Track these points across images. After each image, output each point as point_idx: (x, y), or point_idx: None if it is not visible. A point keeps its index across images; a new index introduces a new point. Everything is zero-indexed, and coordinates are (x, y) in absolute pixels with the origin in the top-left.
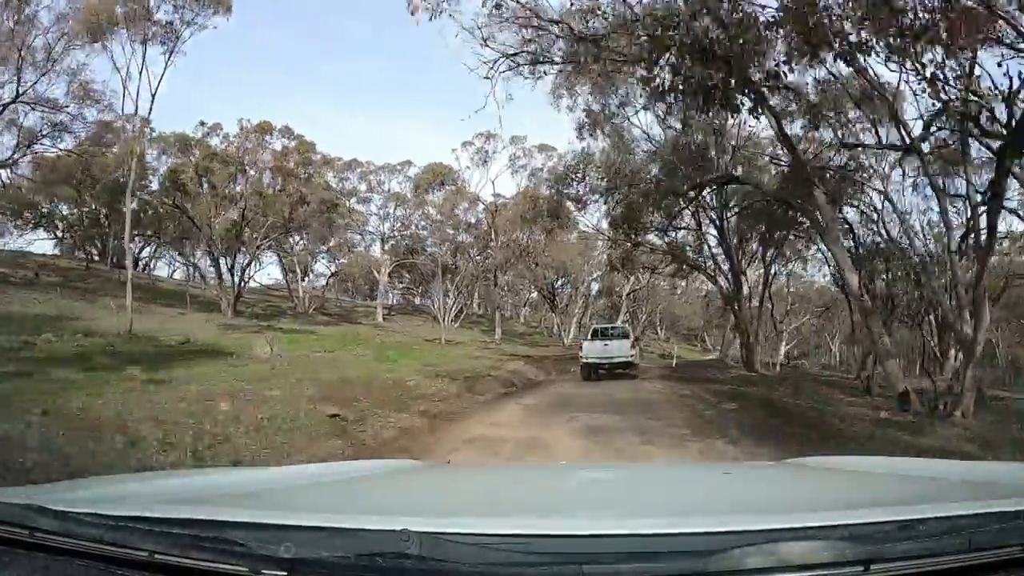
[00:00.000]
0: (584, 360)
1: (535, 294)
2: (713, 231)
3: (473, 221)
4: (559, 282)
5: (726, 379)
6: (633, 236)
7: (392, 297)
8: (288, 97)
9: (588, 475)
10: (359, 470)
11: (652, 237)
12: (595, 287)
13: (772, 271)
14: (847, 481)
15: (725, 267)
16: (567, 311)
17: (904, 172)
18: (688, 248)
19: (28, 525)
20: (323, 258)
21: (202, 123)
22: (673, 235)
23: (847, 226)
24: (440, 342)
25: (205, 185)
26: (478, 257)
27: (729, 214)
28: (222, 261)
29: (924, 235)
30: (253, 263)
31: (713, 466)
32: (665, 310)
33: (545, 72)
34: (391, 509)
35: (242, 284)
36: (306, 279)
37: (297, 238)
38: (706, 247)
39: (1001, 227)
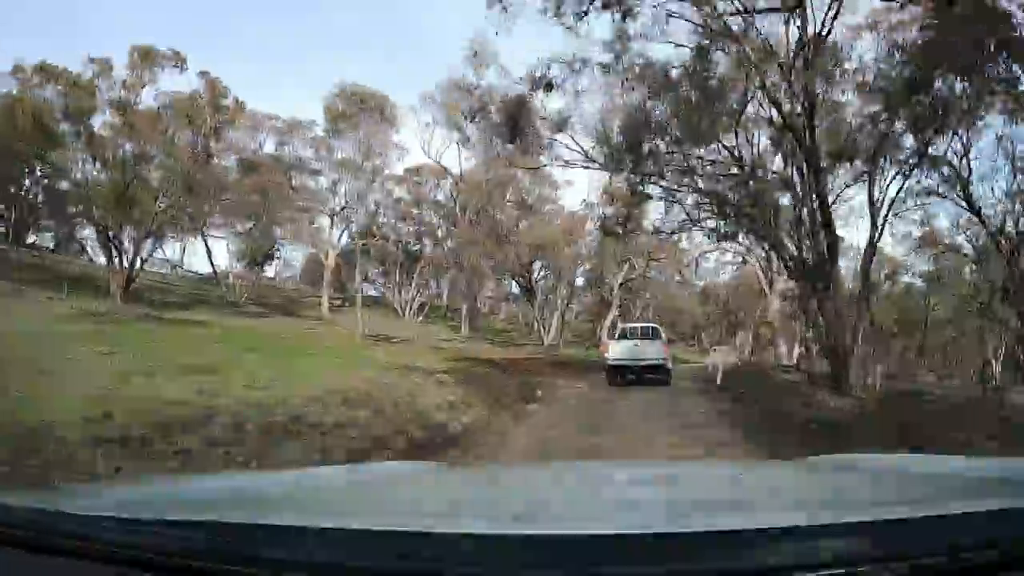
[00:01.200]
0: (611, 363)
1: (516, 287)
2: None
3: (441, 199)
4: (538, 269)
5: (862, 424)
6: (641, 175)
7: (360, 287)
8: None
9: (604, 475)
10: (378, 472)
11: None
12: (581, 278)
13: (886, 216)
14: (869, 478)
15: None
16: (548, 303)
17: None
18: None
19: (47, 529)
20: (281, 244)
21: (91, 59)
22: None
23: None
24: (372, 340)
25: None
26: (449, 243)
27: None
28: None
29: None
30: (151, 238)
31: (732, 464)
32: (662, 304)
33: None
34: (409, 511)
35: (135, 263)
36: (264, 267)
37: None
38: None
39: None
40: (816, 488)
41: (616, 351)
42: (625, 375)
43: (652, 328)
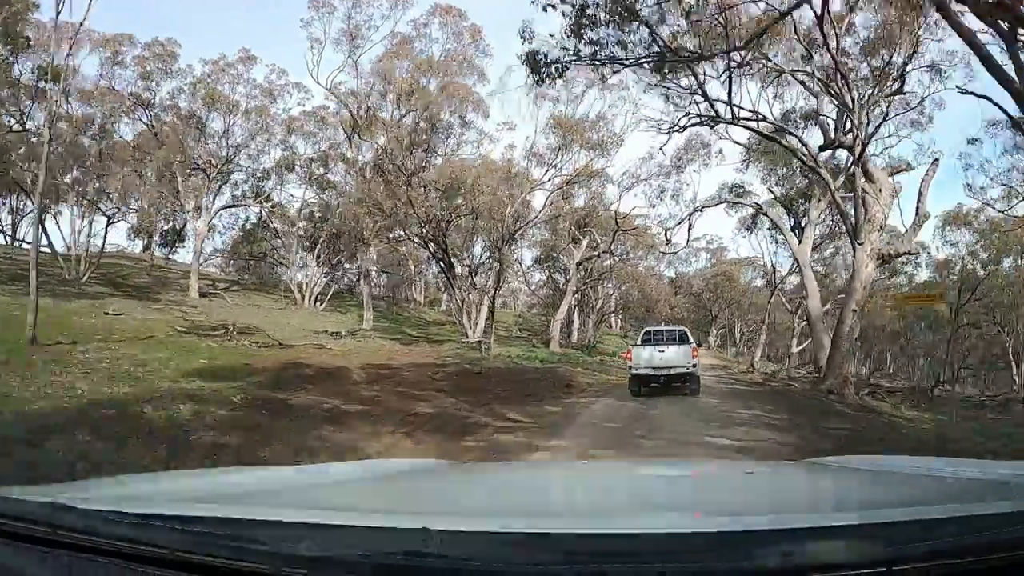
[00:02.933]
0: (633, 371)
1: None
2: None
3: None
4: (479, 253)
5: None
6: None
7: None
8: None
9: (608, 474)
10: (380, 469)
11: None
12: (529, 256)
13: None
14: (868, 481)
15: None
16: (482, 287)
17: None
18: None
19: (51, 523)
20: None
21: None
22: None
23: None
24: (182, 332)
25: None
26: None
27: None
28: None
29: None
30: None
31: (734, 465)
32: (628, 293)
33: None
34: (411, 508)
35: None
36: (174, 245)
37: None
38: None
39: None
40: (824, 489)
41: (639, 359)
42: (648, 384)
43: (679, 332)
